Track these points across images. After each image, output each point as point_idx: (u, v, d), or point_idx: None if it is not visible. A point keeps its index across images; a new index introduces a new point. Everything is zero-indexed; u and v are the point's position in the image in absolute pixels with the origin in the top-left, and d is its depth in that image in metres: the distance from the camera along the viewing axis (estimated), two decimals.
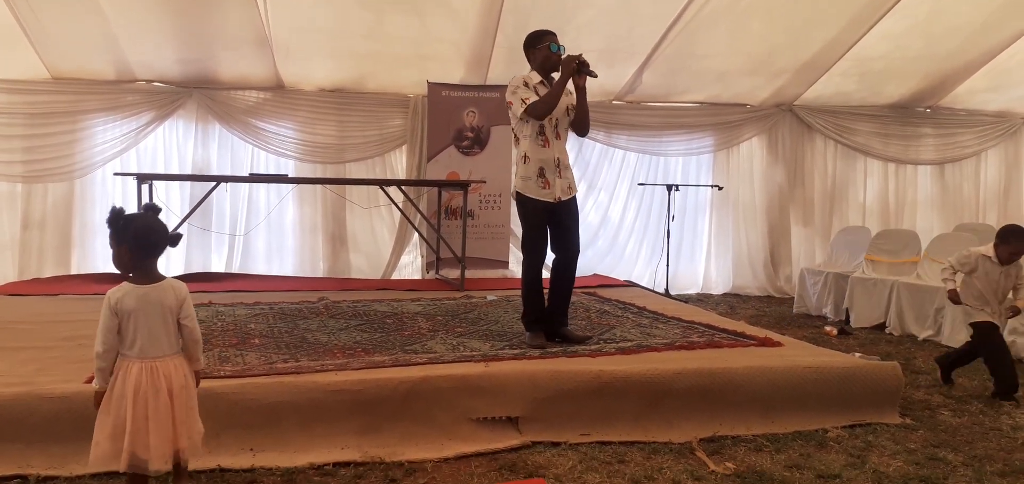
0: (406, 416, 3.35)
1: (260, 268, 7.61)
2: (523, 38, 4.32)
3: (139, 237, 2.49)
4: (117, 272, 2.56)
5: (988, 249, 4.41)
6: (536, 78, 4.21)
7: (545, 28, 4.28)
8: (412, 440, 3.30)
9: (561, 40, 4.22)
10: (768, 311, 7.43)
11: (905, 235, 7.09)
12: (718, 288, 8.54)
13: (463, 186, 6.91)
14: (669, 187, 7.85)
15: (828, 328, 6.37)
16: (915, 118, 8.81)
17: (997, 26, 7.19)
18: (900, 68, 7.87)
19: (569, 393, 3.51)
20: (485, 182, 7.35)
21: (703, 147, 8.49)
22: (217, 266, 7.46)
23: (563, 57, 4.15)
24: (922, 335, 5.95)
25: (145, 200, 5.94)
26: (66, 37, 6.51)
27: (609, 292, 6.55)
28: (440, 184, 7.24)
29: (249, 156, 7.52)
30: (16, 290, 6.30)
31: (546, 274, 4.33)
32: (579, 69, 4.09)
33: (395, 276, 7.72)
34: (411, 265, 7.94)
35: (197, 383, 2.61)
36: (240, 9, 6.24)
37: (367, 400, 3.31)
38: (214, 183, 6.60)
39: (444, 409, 3.40)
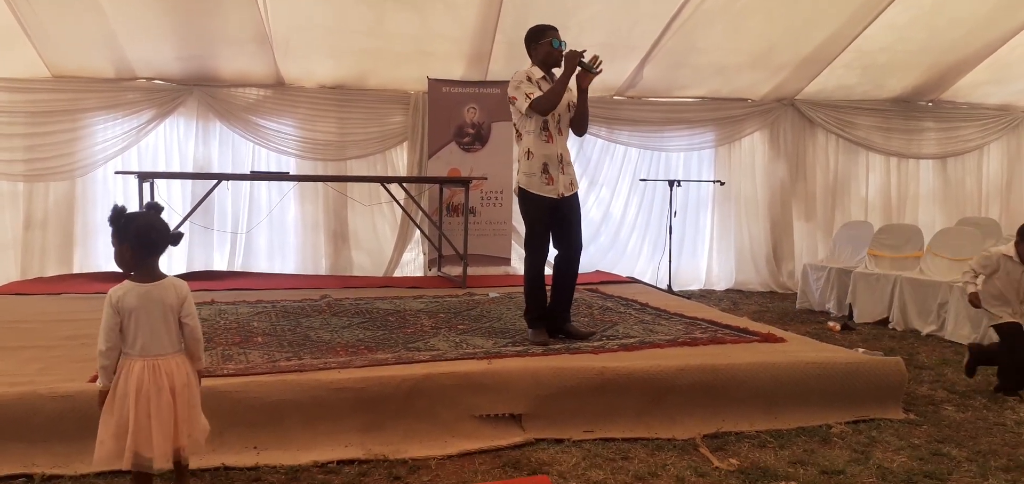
0: (409, 414, 3.35)
1: (262, 266, 7.61)
2: (523, 34, 4.31)
3: (140, 236, 2.49)
4: (119, 271, 2.56)
5: (1008, 248, 4.33)
6: (538, 73, 4.21)
7: (546, 23, 4.27)
8: (415, 437, 3.30)
9: (562, 36, 4.21)
10: (771, 307, 7.42)
11: (908, 230, 7.08)
12: (721, 284, 8.54)
13: (464, 183, 6.90)
14: (671, 183, 7.83)
15: (831, 323, 6.37)
16: (917, 112, 8.79)
17: (1000, 19, 7.17)
18: (903, 61, 7.85)
19: (572, 390, 3.51)
20: (486, 179, 7.34)
21: (705, 142, 8.48)
22: (219, 264, 7.46)
23: (565, 53, 4.14)
24: (925, 330, 5.93)
25: (146, 198, 5.95)
26: (66, 35, 6.51)
27: (611, 288, 6.55)
28: (441, 181, 7.23)
29: (250, 154, 7.50)
30: (19, 289, 6.31)
31: (548, 271, 4.32)
32: (586, 68, 4.08)
33: (397, 273, 7.72)
34: (413, 262, 7.94)
35: (198, 382, 2.61)
36: (240, 6, 6.23)
37: (370, 398, 3.31)
38: (215, 181, 6.60)
39: (447, 406, 3.40)
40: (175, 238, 2.59)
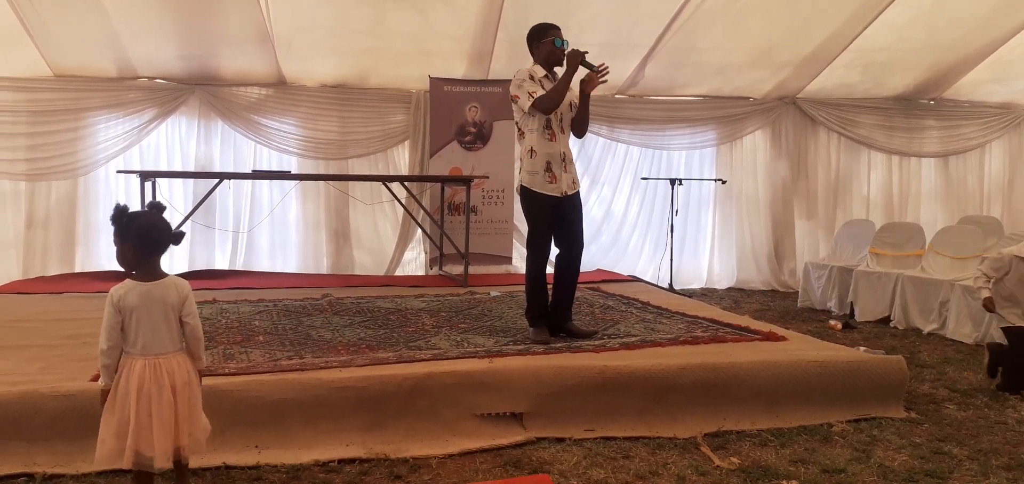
0: (410, 412, 3.35)
1: (264, 265, 7.61)
2: (525, 33, 4.31)
3: (142, 235, 2.49)
4: (121, 270, 2.56)
5: (1020, 249, 4.31)
6: (540, 72, 4.21)
7: (548, 22, 4.27)
8: (416, 436, 3.30)
9: (564, 35, 4.21)
10: (772, 305, 7.42)
11: (909, 228, 7.07)
12: (722, 283, 8.53)
13: (466, 181, 6.90)
14: (672, 181, 7.83)
15: (832, 322, 6.36)
16: (919, 110, 8.77)
17: (1001, 17, 7.15)
18: (904, 59, 7.84)
19: (573, 389, 3.51)
20: (488, 177, 7.34)
21: (706, 141, 8.47)
22: (221, 263, 7.47)
23: (567, 52, 4.13)
24: (927, 328, 5.93)
25: (148, 197, 5.96)
26: (68, 35, 6.51)
27: (613, 287, 6.55)
28: (443, 180, 7.23)
29: (252, 153, 7.51)
30: (21, 288, 6.31)
31: (550, 269, 4.32)
32: (591, 68, 4.08)
33: (399, 272, 7.72)
34: (414, 261, 7.94)
35: (199, 381, 2.61)
36: (241, 6, 6.24)
37: (371, 397, 3.31)
38: (217, 180, 6.61)
39: (448, 405, 3.40)
40: (177, 237, 2.60)
